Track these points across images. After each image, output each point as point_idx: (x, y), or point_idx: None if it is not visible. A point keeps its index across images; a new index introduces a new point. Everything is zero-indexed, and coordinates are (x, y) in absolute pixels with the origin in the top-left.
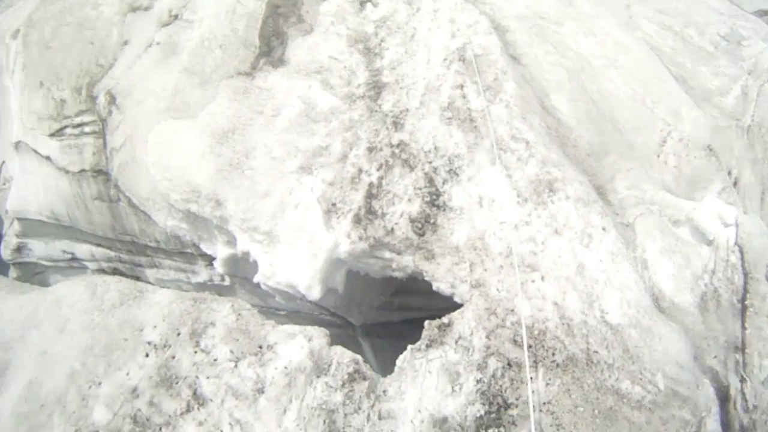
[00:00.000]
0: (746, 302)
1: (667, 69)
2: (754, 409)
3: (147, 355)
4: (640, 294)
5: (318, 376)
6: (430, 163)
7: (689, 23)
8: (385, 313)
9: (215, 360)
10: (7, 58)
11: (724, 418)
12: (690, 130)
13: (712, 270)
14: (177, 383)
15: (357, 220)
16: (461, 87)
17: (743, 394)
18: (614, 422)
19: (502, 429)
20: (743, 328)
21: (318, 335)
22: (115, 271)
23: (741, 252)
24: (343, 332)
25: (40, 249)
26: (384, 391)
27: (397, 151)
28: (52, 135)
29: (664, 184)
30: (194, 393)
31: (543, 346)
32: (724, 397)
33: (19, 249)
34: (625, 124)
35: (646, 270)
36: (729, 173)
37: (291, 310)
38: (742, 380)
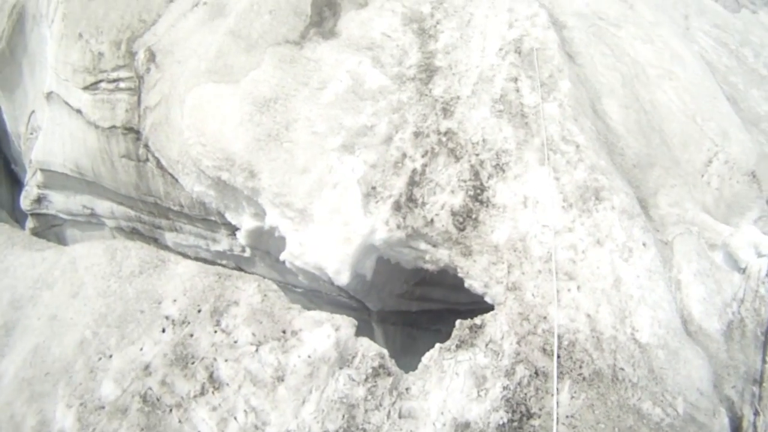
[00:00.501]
0: None
1: (719, 87)
2: None
3: (164, 331)
4: (671, 315)
5: (341, 368)
6: (477, 155)
7: (745, 43)
8: (405, 302)
9: (236, 342)
10: (47, 7)
11: None
12: (737, 153)
13: (741, 299)
14: (193, 364)
15: (397, 207)
16: (515, 80)
17: (755, 427)
18: None
19: None
20: (763, 361)
21: (345, 325)
22: (133, 231)
23: None
24: (357, 315)
25: (60, 202)
26: (407, 389)
27: (444, 139)
28: (85, 88)
29: (704, 205)
30: (210, 375)
31: (571, 358)
32: (736, 428)
33: (39, 200)
34: (673, 139)
35: (678, 291)
36: (767, 201)
37: (309, 288)
38: (756, 413)
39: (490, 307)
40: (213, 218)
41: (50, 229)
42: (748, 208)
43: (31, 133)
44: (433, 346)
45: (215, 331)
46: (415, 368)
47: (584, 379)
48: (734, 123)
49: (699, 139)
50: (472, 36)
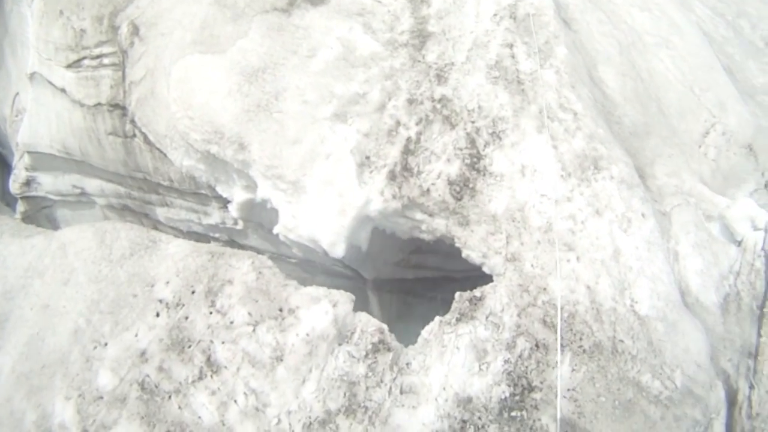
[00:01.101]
0: (765, 309)
1: (717, 58)
2: (757, 416)
3: (158, 315)
4: (670, 287)
5: (340, 345)
6: (473, 122)
7: (742, 14)
8: (400, 270)
9: (232, 323)
10: None
11: (728, 422)
12: (734, 125)
13: (737, 272)
14: (189, 347)
15: (392, 176)
16: (510, 46)
17: (750, 400)
18: (631, 415)
19: (524, 412)
20: (759, 335)
21: (343, 300)
22: (124, 208)
23: (767, 258)
24: (352, 284)
25: (49, 183)
26: (407, 364)
27: (438, 106)
28: (68, 66)
29: (701, 176)
30: (208, 359)
31: (571, 330)
32: (731, 401)
33: (28, 183)
34: (670, 108)
35: (676, 263)
36: (762, 174)
37: (303, 259)
38: (751, 387)
39: (485, 275)
40: (203, 192)
41: (41, 211)
42: (743, 180)
43: (17, 116)
44: (428, 313)
45: (210, 313)
46: (411, 335)
47: (584, 351)
48: (732, 94)
49: (696, 109)
50: (465, 1)
